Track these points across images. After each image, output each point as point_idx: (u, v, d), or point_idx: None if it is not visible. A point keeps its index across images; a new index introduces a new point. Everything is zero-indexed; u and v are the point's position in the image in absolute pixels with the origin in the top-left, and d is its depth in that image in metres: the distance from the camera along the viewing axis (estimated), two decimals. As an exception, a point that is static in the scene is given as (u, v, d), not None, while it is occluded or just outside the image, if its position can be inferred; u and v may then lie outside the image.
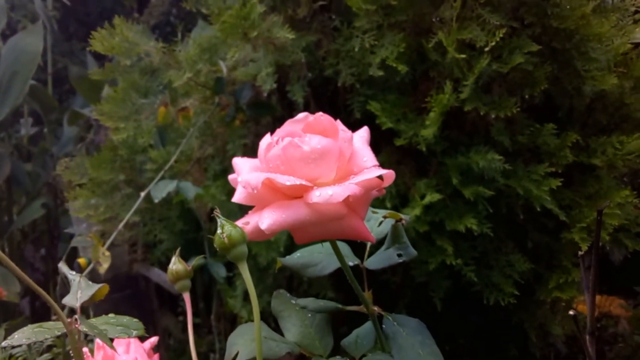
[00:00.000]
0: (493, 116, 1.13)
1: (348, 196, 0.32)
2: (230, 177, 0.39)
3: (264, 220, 0.33)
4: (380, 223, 0.44)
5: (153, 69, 1.21)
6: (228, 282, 1.33)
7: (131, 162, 1.28)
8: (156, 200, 1.02)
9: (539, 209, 1.16)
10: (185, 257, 1.39)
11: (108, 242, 1.03)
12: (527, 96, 1.16)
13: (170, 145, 1.33)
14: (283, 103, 1.27)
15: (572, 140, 1.14)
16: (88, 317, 1.22)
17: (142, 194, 1.06)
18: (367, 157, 0.37)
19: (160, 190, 1.03)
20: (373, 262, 0.41)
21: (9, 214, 2.31)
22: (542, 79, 1.11)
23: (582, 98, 1.20)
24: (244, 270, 0.31)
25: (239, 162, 0.39)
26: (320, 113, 0.37)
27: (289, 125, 0.38)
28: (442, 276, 1.24)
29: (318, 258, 0.42)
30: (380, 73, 1.14)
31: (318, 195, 0.33)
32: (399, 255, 0.40)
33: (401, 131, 1.15)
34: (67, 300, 0.37)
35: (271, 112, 1.20)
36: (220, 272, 1.15)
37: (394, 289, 1.38)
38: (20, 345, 0.89)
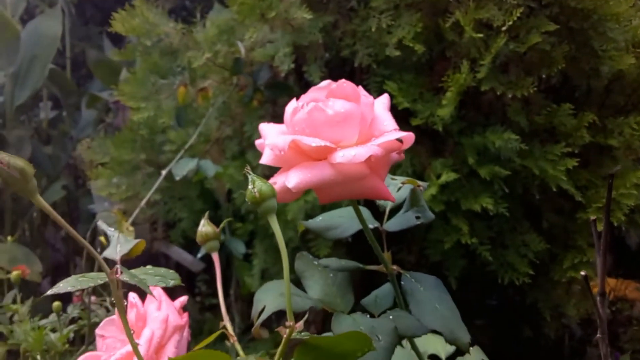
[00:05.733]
0: (510, 96, 1.13)
1: (370, 156, 0.34)
2: (257, 142, 0.41)
3: (291, 179, 0.35)
4: (399, 189, 0.45)
5: (172, 50, 1.23)
6: (245, 259, 1.35)
7: (151, 142, 1.31)
8: (177, 178, 1.04)
9: (555, 189, 1.17)
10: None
11: (130, 220, 1.06)
12: (544, 76, 1.17)
13: (189, 127, 1.35)
14: (300, 84, 1.28)
15: (588, 120, 1.14)
16: (109, 296, 1.25)
17: (164, 172, 1.08)
18: (388, 121, 0.39)
19: (181, 168, 1.05)
20: (392, 225, 0.43)
21: (30, 196, 2.35)
22: (559, 58, 1.11)
23: (600, 79, 1.19)
24: (274, 223, 0.33)
25: (265, 127, 0.41)
26: (343, 80, 0.39)
27: (313, 92, 0.40)
28: (458, 255, 1.26)
29: (339, 221, 0.43)
30: (397, 53, 1.14)
31: (341, 156, 0.34)
32: (417, 218, 0.42)
33: (418, 111, 1.16)
34: (108, 253, 0.39)
35: (288, 93, 1.21)
36: (239, 248, 1.18)
37: (409, 269, 1.40)
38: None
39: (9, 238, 1.67)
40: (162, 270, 0.39)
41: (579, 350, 1.67)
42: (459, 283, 1.35)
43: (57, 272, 2.24)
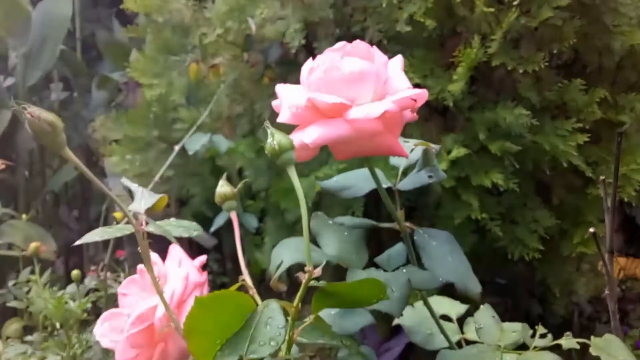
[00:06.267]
0: (521, 71, 1.13)
1: (385, 112, 0.35)
2: (274, 102, 0.42)
3: (309, 135, 0.36)
4: (412, 150, 0.46)
5: (184, 27, 1.23)
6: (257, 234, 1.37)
7: (164, 119, 1.32)
8: (190, 153, 1.06)
9: (565, 165, 1.17)
10: (217, 210, 1.42)
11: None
12: (555, 52, 1.16)
13: (200, 105, 1.36)
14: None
15: (600, 96, 1.14)
16: (123, 271, 1.27)
17: (177, 147, 1.09)
18: (402, 81, 0.40)
19: (194, 143, 1.07)
20: (405, 184, 0.44)
21: (42, 176, 2.38)
22: (570, 34, 1.11)
23: (611, 55, 1.19)
24: (293, 174, 0.34)
25: (282, 88, 0.42)
26: (357, 41, 0.40)
27: (328, 53, 0.40)
28: (468, 231, 1.27)
29: (353, 182, 0.44)
30: (408, 29, 1.14)
31: (357, 112, 0.35)
32: (430, 177, 0.43)
33: (428, 87, 1.17)
34: (133, 207, 0.40)
35: (299, 70, 1.22)
36: (252, 222, 1.20)
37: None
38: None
39: (24, 216, 1.70)
40: (185, 222, 0.40)
41: (588, 327, 1.68)
42: (469, 259, 1.36)
43: (71, 251, 2.27)
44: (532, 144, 1.19)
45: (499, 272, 1.50)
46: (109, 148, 1.31)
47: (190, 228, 0.39)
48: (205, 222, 1.63)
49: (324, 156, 1.39)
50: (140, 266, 0.50)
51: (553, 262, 1.36)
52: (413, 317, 0.54)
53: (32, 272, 1.62)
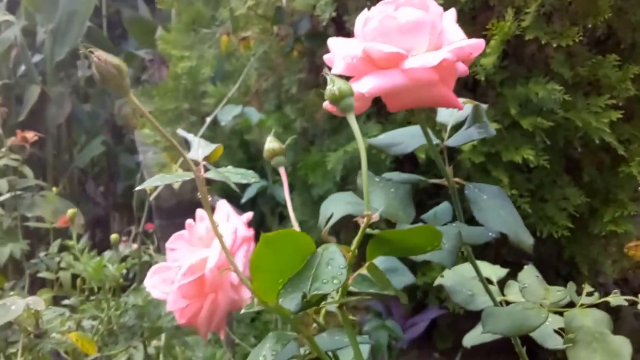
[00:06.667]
0: (555, 45, 1.11)
1: (442, 61, 0.35)
2: (326, 56, 0.42)
3: (364, 85, 0.36)
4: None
5: None
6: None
7: (193, 92, 1.33)
8: (223, 124, 1.07)
9: (597, 142, 1.16)
10: (244, 185, 1.44)
11: (176, 166, 1.09)
12: (589, 26, 1.14)
13: (228, 82, 1.37)
14: (341, 34, 1.28)
15: (634, 72, 1.12)
16: (153, 242, 1.29)
17: (208, 119, 1.10)
18: (456, 32, 0.40)
19: (226, 114, 1.07)
20: (454, 141, 0.44)
21: (69, 152, 2.42)
22: (605, 8, 1.09)
23: (646, 30, 1.17)
24: (352, 120, 0.35)
25: (334, 41, 0.42)
26: (411, -7, 0.39)
27: (381, 5, 0.40)
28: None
29: (401, 139, 0.45)
30: (440, 2, 1.13)
31: (414, 61, 0.36)
32: (480, 133, 0.43)
33: (460, 61, 1.16)
34: (191, 155, 0.41)
35: (329, 43, 1.22)
36: (281, 194, 1.21)
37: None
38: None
39: (54, 189, 1.73)
40: (242, 170, 0.41)
41: (615, 309, 1.68)
42: (495, 237, 1.36)
43: (98, 226, 2.31)
44: (563, 120, 1.18)
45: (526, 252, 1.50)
46: (140, 120, 1.33)
47: (247, 175, 0.40)
48: (233, 196, 1.65)
49: (351, 131, 1.39)
50: (189, 221, 0.50)
51: (581, 241, 1.35)
52: (454, 278, 0.54)
53: (62, 244, 1.66)
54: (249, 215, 0.49)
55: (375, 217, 0.33)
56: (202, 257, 0.46)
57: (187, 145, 0.44)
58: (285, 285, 0.32)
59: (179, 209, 1.48)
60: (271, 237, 0.32)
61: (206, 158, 0.41)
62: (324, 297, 0.33)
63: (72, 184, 2.49)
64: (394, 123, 1.34)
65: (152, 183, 0.38)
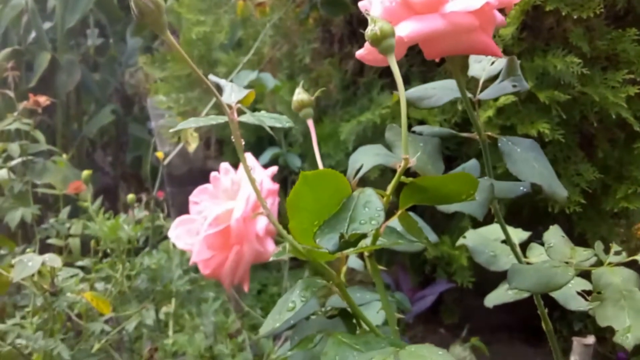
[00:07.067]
0: (575, 17, 1.10)
1: (483, 6, 0.34)
2: (361, 3, 0.42)
3: (403, 29, 0.35)
4: (493, 62, 0.45)
5: (231, -37, 1.22)
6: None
7: (208, 58, 1.32)
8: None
9: (613, 117, 1.15)
10: (259, 151, 1.44)
11: (191, 130, 1.08)
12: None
13: (242, 49, 1.35)
14: (357, 1, 1.27)
15: (653, 47, 1.11)
16: (162, 210, 1.29)
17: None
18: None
19: (242, 79, 1.06)
20: (487, 94, 0.44)
21: (78, 121, 2.41)
22: (625, -19, 1.08)
23: (667, 5, 1.15)
24: (392, 63, 0.34)
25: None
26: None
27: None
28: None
29: (432, 92, 0.44)
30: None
31: (455, 4, 0.35)
32: (514, 86, 0.42)
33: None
34: (225, 99, 0.41)
35: (345, 11, 1.20)
36: (295, 162, 1.20)
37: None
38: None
39: (65, 155, 1.72)
40: (275, 114, 0.41)
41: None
42: (509, 212, 1.35)
43: (106, 195, 2.31)
44: (580, 94, 1.17)
45: (537, 228, 1.50)
46: (154, 86, 1.32)
47: (280, 120, 0.40)
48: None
49: (365, 102, 1.39)
50: (213, 174, 0.50)
51: (592, 218, 1.35)
52: (476, 239, 0.54)
53: (78, 205, 1.66)
54: (274, 169, 0.49)
55: (413, 162, 0.33)
56: (228, 209, 0.46)
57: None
58: (322, 226, 0.32)
59: (190, 177, 1.48)
60: (310, 176, 0.32)
61: (239, 102, 0.40)
62: (361, 237, 0.32)
63: (81, 152, 2.49)
64: (408, 95, 1.33)
65: (187, 125, 0.38)
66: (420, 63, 1.37)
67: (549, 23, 1.19)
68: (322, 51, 1.44)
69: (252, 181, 0.37)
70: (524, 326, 1.54)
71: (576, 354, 0.88)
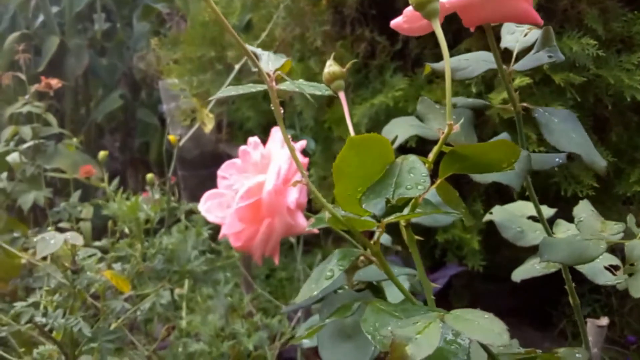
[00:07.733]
0: (591, -3, 1.09)
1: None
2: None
3: (445, -7, 0.35)
4: (526, 34, 0.45)
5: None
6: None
7: (221, 40, 1.31)
8: (254, 70, 1.05)
9: (628, 100, 1.14)
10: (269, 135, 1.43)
11: (206, 110, 1.08)
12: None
13: (252, 32, 1.35)
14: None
15: (668, 30, 1.10)
16: (174, 194, 1.29)
17: (237, 66, 1.09)
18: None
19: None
20: (522, 65, 0.43)
21: (87, 106, 2.41)
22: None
23: (682, -13, 1.14)
24: (437, 27, 0.34)
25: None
26: None
27: None
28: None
29: (466, 63, 0.44)
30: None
31: (497, -29, 0.35)
32: (550, 57, 0.42)
33: (492, 14, 1.13)
34: (263, 66, 0.41)
35: (359, -7, 1.20)
36: (309, 144, 1.20)
37: (469, 180, 1.41)
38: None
39: (75, 139, 1.72)
40: (314, 82, 0.41)
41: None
42: (521, 196, 1.35)
43: (114, 180, 2.31)
44: (595, 77, 1.16)
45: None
46: (167, 68, 1.32)
47: (320, 88, 0.40)
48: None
49: (377, 85, 1.38)
50: (242, 148, 0.50)
51: (605, 202, 1.35)
52: (503, 215, 0.54)
53: (84, 194, 1.66)
54: (303, 143, 0.49)
55: (456, 127, 0.33)
56: (259, 181, 0.46)
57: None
58: (367, 192, 0.32)
59: (201, 160, 1.48)
60: (357, 140, 0.32)
61: (277, 70, 0.40)
62: (406, 203, 0.32)
63: (89, 137, 2.49)
64: (421, 77, 1.33)
65: (227, 93, 0.38)
66: (433, 45, 1.37)
67: (564, 5, 1.18)
68: (333, 34, 1.44)
69: (292, 149, 0.37)
70: (533, 311, 1.54)
71: (590, 335, 0.89)
